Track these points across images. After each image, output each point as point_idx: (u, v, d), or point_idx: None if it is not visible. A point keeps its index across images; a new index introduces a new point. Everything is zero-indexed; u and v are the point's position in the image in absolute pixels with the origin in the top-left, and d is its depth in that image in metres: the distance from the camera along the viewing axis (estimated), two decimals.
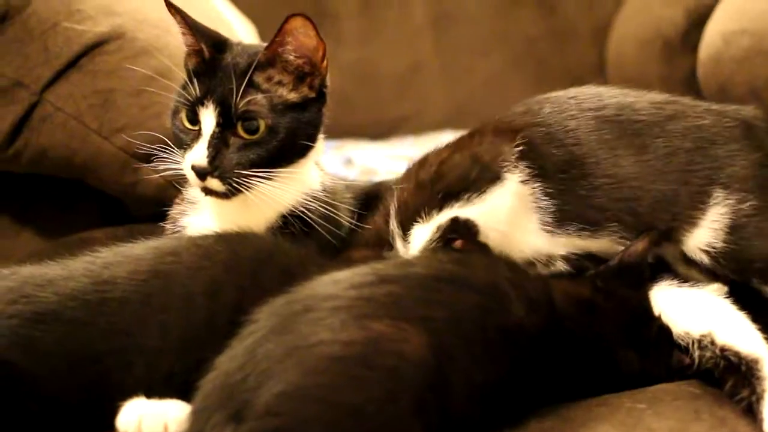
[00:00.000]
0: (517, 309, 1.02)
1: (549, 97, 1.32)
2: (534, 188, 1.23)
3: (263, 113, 1.22)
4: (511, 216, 1.23)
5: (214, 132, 1.22)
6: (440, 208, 1.22)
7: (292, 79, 1.26)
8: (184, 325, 1.08)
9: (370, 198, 1.43)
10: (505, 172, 1.21)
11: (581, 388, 1.09)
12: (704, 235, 1.21)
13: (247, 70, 1.23)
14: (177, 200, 1.36)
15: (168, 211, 1.39)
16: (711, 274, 1.23)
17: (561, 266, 1.26)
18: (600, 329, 1.11)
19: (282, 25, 1.23)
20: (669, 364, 1.15)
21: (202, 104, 1.22)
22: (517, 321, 1.02)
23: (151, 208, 1.56)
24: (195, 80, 1.23)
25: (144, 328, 1.07)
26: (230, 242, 1.16)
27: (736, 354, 1.07)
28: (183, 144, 1.25)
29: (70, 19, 1.59)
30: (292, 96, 1.26)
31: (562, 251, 1.26)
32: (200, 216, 1.31)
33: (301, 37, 1.24)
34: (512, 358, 1.00)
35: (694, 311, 1.16)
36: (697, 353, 1.12)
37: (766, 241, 1.20)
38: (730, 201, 1.20)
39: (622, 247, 1.22)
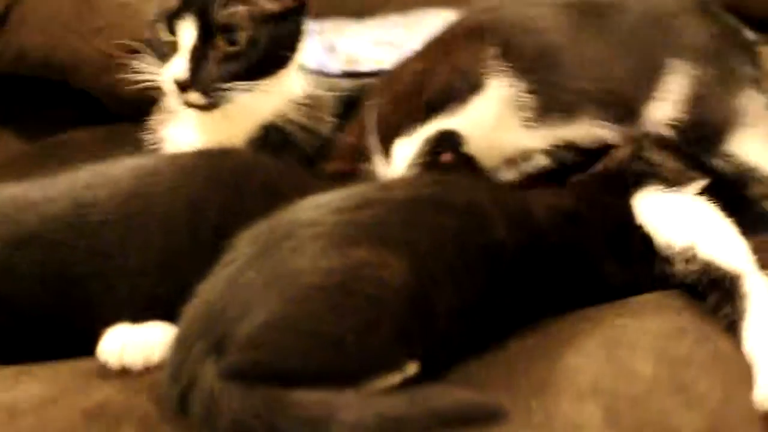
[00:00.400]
0: (499, 228, 1.01)
1: None
2: (513, 87, 1.23)
3: (244, 24, 1.20)
4: (494, 120, 1.23)
5: (194, 45, 1.19)
6: (424, 121, 1.20)
7: None
8: (166, 245, 1.07)
9: (353, 102, 1.40)
10: (486, 78, 1.21)
11: (565, 303, 1.09)
12: (668, 109, 1.23)
13: None
14: (156, 108, 1.33)
15: (147, 118, 1.35)
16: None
17: (542, 161, 1.27)
18: (583, 240, 1.10)
19: None
20: (652, 275, 1.14)
21: (180, 17, 1.18)
22: (498, 240, 1.01)
23: (132, 108, 1.53)
24: None
25: (125, 249, 1.07)
26: (210, 159, 1.15)
27: (719, 269, 1.06)
28: (162, 55, 1.21)
29: None
30: (273, 6, 1.23)
31: (544, 144, 1.26)
32: (180, 127, 1.29)
33: None
34: (495, 277, 1.00)
35: (677, 220, 1.14)
36: (679, 266, 1.10)
37: (727, 107, 1.23)
38: (690, 71, 1.23)
39: (602, 133, 1.23)
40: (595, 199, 1.15)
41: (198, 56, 1.20)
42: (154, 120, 1.34)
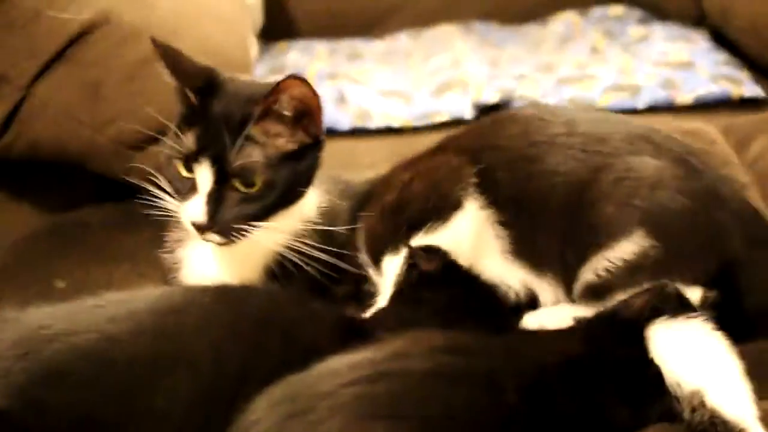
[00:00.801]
0: (511, 396, 1.04)
1: (517, 116, 1.33)
2: (490, 215, 1.28)
3: (259, 169, 1.21)
4: (474, 240, 1.29)
5: (211, 189, 1.20)
6: (407, 239, 1.25)
7: (289, 128, 1.23)
8: (191, 389, 1.08)
9: (364, 201, 1.42)
10: (464, 199, 1.26)
11: None
12: None
13: (241, 123, 1.20)
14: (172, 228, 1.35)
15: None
16: None
17: (517, 297, 1.32)
18: (594, 390, 1.12)
19: (277, 85, 1.20)
20: (662, 410, 1.17)
21: (197, 161, 1.20)
22: (510, 408, 1.04)
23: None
24: (186, 131, 1.20)
25: (152, 390, 1.08)
26: (231, 303, 1.17)
27: (724, 423, 1.09)
28: (179, 191, 1.23)
29: (53, 6, 1.52)
30: (289, 146, 1.24)
31: (517, 284, 1.31)
32: (198, 249, 1.31)
33: (296, 94, 1.21)
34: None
35: (688, 361, 1.16)
36: (687, 410, 1.13)
37: None
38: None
39: (558, 295, 1.28)
40: (606, 348, 1.16)
41: (215, 199, 1.21)
42: (172, 237, 1.35)
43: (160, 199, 1.27)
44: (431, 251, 1.27)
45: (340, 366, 1.04)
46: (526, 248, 1.29)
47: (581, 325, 1.21)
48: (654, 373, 1.16)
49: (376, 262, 1.30)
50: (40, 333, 1.09)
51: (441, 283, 1.26)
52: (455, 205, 1.26)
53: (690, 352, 1.18)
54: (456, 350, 1.07)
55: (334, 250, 1.28)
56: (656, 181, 1.24)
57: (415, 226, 1.26)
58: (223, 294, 1.19)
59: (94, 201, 1.74)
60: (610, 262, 1.23)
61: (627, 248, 1.23)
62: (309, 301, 1.24)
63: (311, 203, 1.33)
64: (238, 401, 1.05)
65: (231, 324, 1.13)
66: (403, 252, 1.26)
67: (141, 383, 1.07)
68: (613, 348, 1.16)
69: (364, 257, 1.31)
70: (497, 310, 1.29)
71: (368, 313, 1.27)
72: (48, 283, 1.47)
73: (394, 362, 1.04)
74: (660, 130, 1.35)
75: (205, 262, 1.31)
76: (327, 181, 1.39)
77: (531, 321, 1.30)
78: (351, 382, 1.01)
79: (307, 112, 1.24)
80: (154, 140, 1.44)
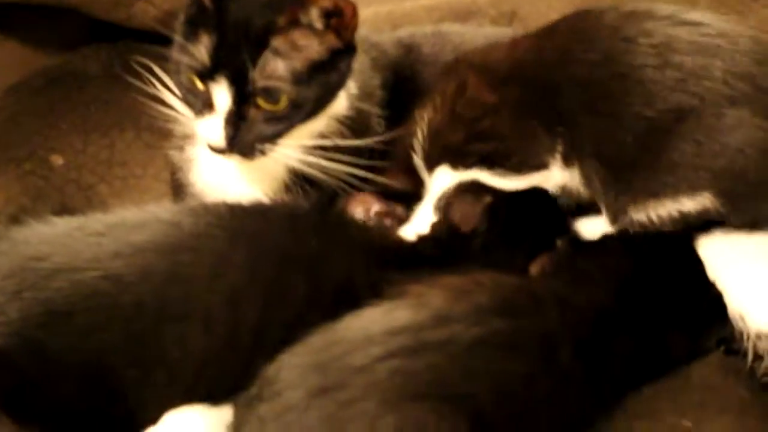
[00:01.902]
0: (565, 354, 0.94)
1: (597, 31, 1.14)
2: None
3: (285, 88, 1.03)
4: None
5: (230, 108, 1.04)
6: (470, 167, 1.13)
7: (318, 35, 1.04)
8: (204, 347, 0.99)
9: (401, 73, 1.27)
10: (549, 162, 1.14)
11: (626, 384, 1.03)
12: None
13: (263, 33, 1.02)
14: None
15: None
16: None
17: None
18: (649, 323, 1.04)
19: None
20: (719, 337, 1.08)
21: (212, 78, 1.02)
22: (565, 368, 0.95)
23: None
24: (197, 40, 1.01)
25: (162, 339, 0.98)
26: (249, 237, 1.03)
27: None
28: (192, 105, 1.07)
29: None
30: (318, 52, 1.06)
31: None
32: (210, 162, 1.16)
33: (328, 5, 1.03)
34: (561, 406, 0.95)
35: (753, 288, 1.05)
36: (751, 346, 1.03)
37: None
38: None
39: None
40: (656, 262, 1.08)
41: (235, 119, 1.05)
42: (178, 135, 1.19)
43: (166, 100, 1.11)
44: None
45: (376, 330, 0.93)
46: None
47: (630, 245, 1.10)
48: (713, 298, 1.07)
49: (430, 165, 1.16)
50: (37, 266, 0.98)
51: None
52: (539, 166, 1.13)
53: (757, 278, 1.06)
54: (504, 309, 0.96)
55: (371, 146, 1.12)
56: (740, 151, 1.07)
57: (489, 164, 1.13)
58: (239, 224, 1.05)
59: (87, 41, 1.55)
60: (668, 211, 1.09)
61: (689, 205, 1.08)
62: (338, 224, 1.11)
63: (341, 102, 1.16)
64: (257, 355, 0.97)
65: (249, 265, 1.01)
66: (461, 174, 1.13)
67: (148, 330, 0.97)
68: (668, 270, 1.08)
69: (417, 160, 1.16)
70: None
71: (406, 235, 1.13)
72: (45, 158, 1.33)
73: (437, 329, 0.93)
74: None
75: (218, 169, 1.16)
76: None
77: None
78: (388, 354, 0.90)
79: (339, 14, 1.04)
80: None
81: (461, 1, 1.59)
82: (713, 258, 1.09)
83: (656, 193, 1.08)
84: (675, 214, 1.08)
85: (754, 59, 1.08)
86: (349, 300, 0.99)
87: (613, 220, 1.11)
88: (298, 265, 1.02)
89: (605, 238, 1.11)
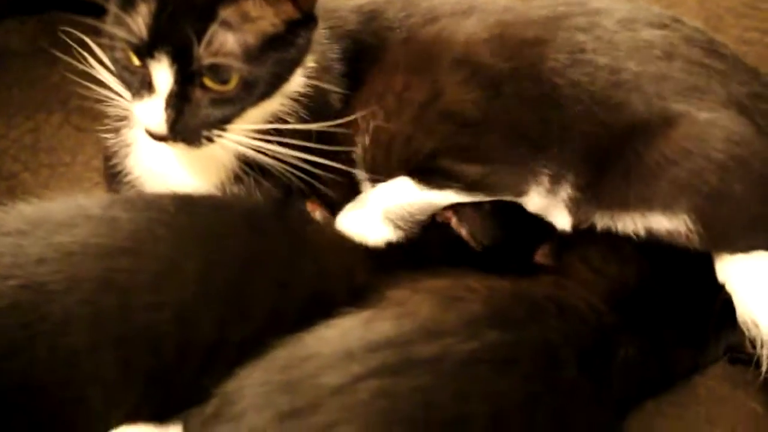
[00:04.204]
0: (570, 369, 0.83)
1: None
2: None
3: (235, 65, 0.89)
4: None
5: (172, 89, 0.89)
6: (443, 188, 1.01)
7: (272, 5, 0.90)
8: (149, 356, 0.85)
9: (363, 42, 1.12)
10: (530, 189, 1.02)
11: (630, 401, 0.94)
12: None
13: (209, 2, 0.86)
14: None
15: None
16: None
17: None
18: (653, 335, 0.93)
19: None
20: (726, 347, 0.99)
21: (151, 55, 0.87)
22: (570, 385, 0.84)
23: None
24: (136, 11, 0.86)
25: (96, 355, 0.84)
26: (203, 241, 0.89)
27: None
28: (129, 84, 0.92)
29: None
30: (272, 24, 0.91)
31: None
32: (148, 147, 1.01)
33: None
34: (567, 430, 0.83)
35: (764, 291, 0.95)
36: (765, 354, 0.93)
37: None
38: None
39: None
40: (665, 272, 0.97)
41: (177, 101, 0.90)
42: (113, 117, 1.04)
43: (101, 79, 0.96)
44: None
45: (355, 344, 0.80)
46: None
47: (635, 248, 0.99)
48: (723, 303, 0.97)
49: (380, 177, 1.03)
50: None
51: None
52: (519, 194, 1.01)
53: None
54: (501, 319, 0.83)
55: (330, 130, 0.99)
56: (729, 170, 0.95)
57: (468, 188, 1.01)
58: (189, 222, 0.91)
59: (9, 12, 1.39)
60: (635, 226, 0.99)
61: (663, 223, 0.97)
62: (303, 223, 0.97)
63: (296, 80, 1.01)
64: (213, 372, 0.84)
65: (202, 271, 0.87)
66: (432, 195, 1.01)
67: (82, 347, 0.83)
68: (674, 271, 0.98)
69: (359, 173, 1.04)
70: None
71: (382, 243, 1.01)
72: None
73: (425, 343, 0.80)
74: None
75: (159, 155, 1.01)
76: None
77: None
78: (370, 373, 0.78)
79: None
80: None
81: None
82: (723, 258, 0.99)
83: (626, 204, 0.97)
84: (641, 231, 0.98)
85: (751, 91, 1.00)
86: (324, 307, 0.87)
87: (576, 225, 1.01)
88: (263, 271, 0.90)
89: (601, 238, 0.99)
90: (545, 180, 1.00)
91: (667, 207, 0.96)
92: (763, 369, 0.94)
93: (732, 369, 0.99)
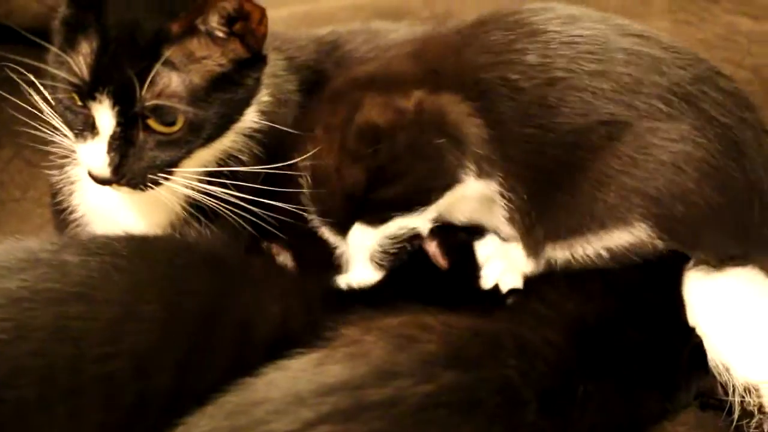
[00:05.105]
0: (531, 411, 0.81)
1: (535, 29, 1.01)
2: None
3: (180, 107, 0.87)
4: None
5: (115, 131, 0.87)
6: (388, 220, 0.98)
7: (219, 44, 0.88)
8: (104, 411, 0.80)
9: (323, 73, 1.12)
10: (465, 174, 0.99)
11: None
12: None
13: (153, 41, 0.85)
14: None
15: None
16: None
17: None
18: (618, 379, 0.90)
19: None
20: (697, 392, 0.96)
21: (92, 97, 0.85)
22: (531, 427, 0.81)
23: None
24: (77, 50, 0.84)
25: (47, 410, 0.79)
26: (158, 287, 0.85)
27: None
28: (72, 126, 0.90)
29: None
30: (219, 66, 0.90)
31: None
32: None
33: (232, 8, 0.87)
34: None
35: (739, 337, 0.94)
36: (737, 401, 0.91)
37: None
38: None
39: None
40: (633, 302, 0.95)
41: (121, 145, 0.88)
42: (59, 153, 1.01)
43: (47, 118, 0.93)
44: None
45: (305, 388, 0.77)
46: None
47: (602, 288, 0.96)
48: (693, 349, 0.95)
49: (336, 226, 1.01)
50: None
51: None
52: (449, 185, 0.98)
53: (744, 323, 0.95)
54: (457, 359, 0.81)
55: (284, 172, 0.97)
56: (678, 168, 0.95)
57: (407, 207, 0.98)
58: (144, 266, 0.87)
59: None
60: (595, 249, 0.97)
61: (620, 239, 0.96)
62: (265, 266, 0.95)
63: (250, 109, 0.99)
64: (169, 422, 0.80)
65: (160, 318, 0.83)
66: (380, 229, 0.98)
67: (32, 402, 0.78)
68: (640, 310, 0.95)
69: (311, 215, 1.01)
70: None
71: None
72: None
73: (378, 386, 0.77)
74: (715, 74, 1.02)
75: (104, 194, 0.99)
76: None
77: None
78: (321, 418, 0.75)
79: (244, 18, 0.89)
80: None
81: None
82: (692, 300, 0.97)
83: (579, 226, 0.96)
84: (603, 252, 0.96)
85: (695, 75, 0.98)
86: (289, 350, 0.84)
87: (533, 255, 0.99)
88: (225, 318, 0.86)
89: (559, 277, 0.98)
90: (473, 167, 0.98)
91: (620, 220, 0.94)
92: (735, 416, 0.91)
93: (703, 415, 0.94)
